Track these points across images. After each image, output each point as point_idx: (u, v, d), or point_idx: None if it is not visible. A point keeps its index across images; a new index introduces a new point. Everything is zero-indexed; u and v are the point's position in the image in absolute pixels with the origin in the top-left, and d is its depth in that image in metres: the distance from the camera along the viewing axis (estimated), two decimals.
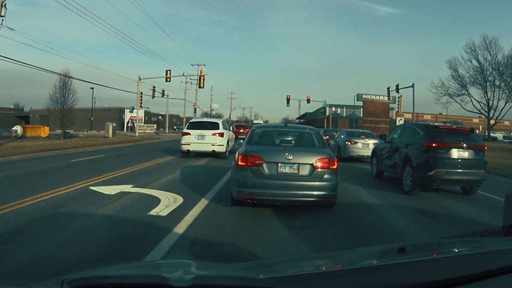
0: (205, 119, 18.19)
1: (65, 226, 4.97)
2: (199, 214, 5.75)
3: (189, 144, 14.71)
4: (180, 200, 6.70)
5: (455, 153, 8.02)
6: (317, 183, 5.72)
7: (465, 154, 8.07)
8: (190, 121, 16.42)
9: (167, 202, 6.47)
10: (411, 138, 9.01)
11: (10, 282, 2.73)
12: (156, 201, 6.59)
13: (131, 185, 8.12)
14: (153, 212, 5.82)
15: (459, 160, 8.03)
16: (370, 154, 12.29)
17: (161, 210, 5.94)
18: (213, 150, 14.65)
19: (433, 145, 8.03)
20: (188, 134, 14.80)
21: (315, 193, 5.71)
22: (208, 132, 14.66)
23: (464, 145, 8.05)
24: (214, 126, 15.09)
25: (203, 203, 6.54)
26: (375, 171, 10.88)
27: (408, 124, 10.28)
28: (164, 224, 5.12)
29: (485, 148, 8.57)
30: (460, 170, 8.02)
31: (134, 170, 11.07)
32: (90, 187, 7.81)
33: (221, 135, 14.80)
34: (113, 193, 7.18)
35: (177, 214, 5.71)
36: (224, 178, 9.51)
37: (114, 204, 6.34)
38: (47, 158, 15.11)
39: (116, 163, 13.02)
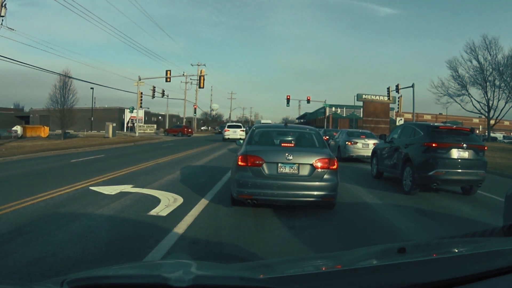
0: (234, 123, 36.86)
1: (65, 226, 4.97)
2: (199, 214, 5.75)
3: (229, 135, 30.80)
4: (180, 200, 6.71)
5: (455, 153, 8.01)
6: (317, 183, 5.72)
7: (465, 154, 8.06)
8: (228, 124, 35.32)
9: (167, 202, 6.46)
10: (411, 138, 9.01)
11: (10, 282, 2.73)
12: (156, 201, 6.59)
13: (131, 185, 8.12)
14: (153, 212, 5.82)
15: (459, 160, 8.03)
16: (370, 154, 12.29)
17: (161, 210, 5.94)
18: (240, 138, 30.35)
19: (433, 145, 8.02)
20: (228, 130, 31.87)
21: (315, 193, 5.71)
22: (237, 129, 31.66)
23: (464, 145, 8.05)
24: (239, 126, 33.28)
25: (203, 203, 6.54)
26: (375, 171, 10.89)
27: (408, 124, 10.28)
28: (164, 224, 5.12)
29: (485, 148, 8.57)
30: (460, 170, 8.02)
31: (134, 170, 11.07)
32: (90, 187, 7.82)
33: (243, 130, 31.10)
34: (113, 193, 7.18)
35: (177, 214, 5.71)
36: (224, 178, 9.50)
37: (114, 204, 6.34)
38: (47, 158, 15.12)
39: (116, 163, 13.02)
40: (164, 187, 8.09)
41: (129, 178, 9.40)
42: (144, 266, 2.12)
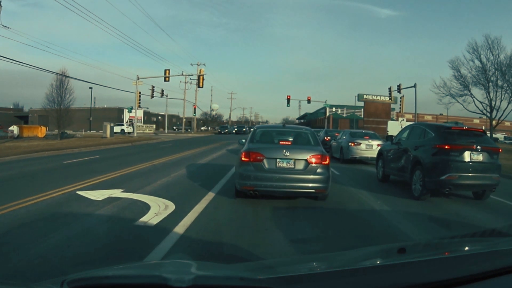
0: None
1: (42, 237, 4.43)
2: (192, 224, 5.19)
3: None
4: (172, 207, 6.14)
5: (468, 156, 7.46)
6: (311, 176, 6.31)
7: (479, 157, 7.51)
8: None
9: (157, 210, 5.90)
10: (421, 139, 8.43)
11: (10, 282, 2.65)
12: (145, 208, 6.03)
13: (121, 190, 7.57)
14: (140, 221, 5.24)
15: (473, 164, 7.47)
16: (374, 155, 11.83)
17: (150, 219, 5.37)
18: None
19: (446, 147, 7.47)
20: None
21: (310, 185, 6.31)
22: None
23: (478, 147, 7.50)
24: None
25: (196, 210, 5.97)
26: (381, 174, 10.33)
27: (418, 125, 9.73)
28: (152, 236, 4.59)
29: (500, 150, 8.01)
30: (473, 174, 7.45)
31: (128, 172, 10.55)
32: (77, 192, 7.29)
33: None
34: (100, 199, 6.64)
35: (167, 223, 5.14)
36: (222, 181, 9.00)
37: (100, 211, 5.80)
38: (40, 159, 14.63)
39: (110, 164, 12.51)
40: (157, 191, 7.52)
41: (121, 181, 8.88)
42: (144, 266, 2.12)
